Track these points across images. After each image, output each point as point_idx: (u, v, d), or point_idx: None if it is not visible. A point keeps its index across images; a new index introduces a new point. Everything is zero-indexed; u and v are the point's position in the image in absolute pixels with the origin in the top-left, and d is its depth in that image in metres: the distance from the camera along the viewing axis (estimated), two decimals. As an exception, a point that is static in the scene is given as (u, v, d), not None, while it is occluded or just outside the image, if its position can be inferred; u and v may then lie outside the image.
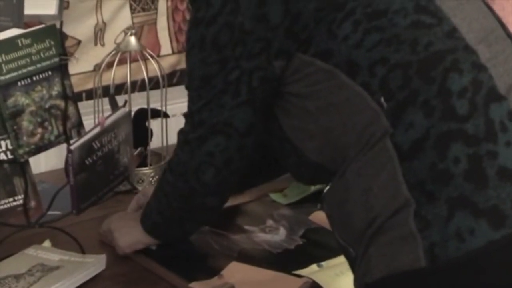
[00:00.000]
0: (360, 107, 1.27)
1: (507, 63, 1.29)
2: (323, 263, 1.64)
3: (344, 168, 1.30)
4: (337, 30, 1.30)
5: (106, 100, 2.06)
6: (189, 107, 1.50)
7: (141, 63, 2.05)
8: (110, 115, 1.65)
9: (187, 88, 1.51)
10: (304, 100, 1.35)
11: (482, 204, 1.18)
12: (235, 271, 1.62)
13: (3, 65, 1.59)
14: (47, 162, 2.23)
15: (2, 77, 1.59)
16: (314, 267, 1.63)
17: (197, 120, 1.47)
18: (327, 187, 1.36)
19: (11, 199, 1.68)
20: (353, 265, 1.31)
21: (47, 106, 1.66)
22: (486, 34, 1.31)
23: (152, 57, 2.09)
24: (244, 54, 1.37)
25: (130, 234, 1.67)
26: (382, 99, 1.25)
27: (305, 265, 1.63)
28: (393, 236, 1.21)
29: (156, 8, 2.67)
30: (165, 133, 2.14)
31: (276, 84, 1.39)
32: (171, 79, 2.73)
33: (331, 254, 1.67)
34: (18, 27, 1.65)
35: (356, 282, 1.29)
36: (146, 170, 2.09)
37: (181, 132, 1.53)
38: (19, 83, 1.61)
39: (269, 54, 1.36)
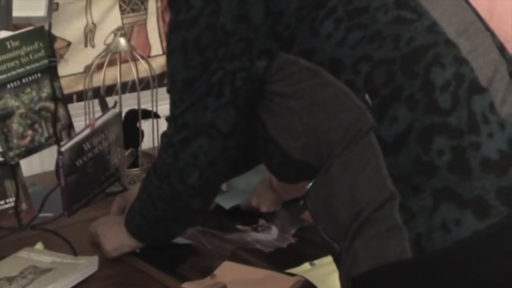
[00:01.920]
0: (346, 105, 1.27)
1: (487, 55, 1.31)
2: (315, 262, 1.64)
3: (329, 164, 1.30)
4: (320, 28, 1.29)
5: (96, 101, 2.05)
6: (172, 110, 1.49)
7: (131, 64, 2.05)
8: (100, 116, 1.65)
9: (168, 91, 1.49)
10: (288, 99, 1.35)
11: (467, 195, 1.19)
12: (227, 270, 1.62)
13: (-8, 67, 1.59)
14: (37, 164, 2.22)
15: (-9, 80, 1.59)
16: (306, 265, 1.63)
17: (181, 123, 1.46)
18: (311, 184, 1.36)
19: (2, 202, 1.68)
20: (338, 260, 1.31)
21: (37, 108, 1.66)
22: (465, 27, 1.32)
23: (142, 58, 2.08)
24: (227, 55, 1.37)
25: (115, 238, 1.66)
26: (367, 96, 1.25)
27: (298, 263, 1.63)
28: (379, 229, 1.22)
29: (146, 9, 2.67)
30: (156, 134, 2.14)
31: (259, 83, 1.38)
32: (162, 79, 2.72)
33: (324, 252, 1.67)
34: (7, 29, 1.65)
35: (342, 276, 1.30)
36: (137, 171, 2.08)
37: (164, 135, 1.53)
38: (8, 86, 1.61)
39: (252, 54, 1.36)
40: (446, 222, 1.17)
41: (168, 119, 1.50)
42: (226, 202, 1.96)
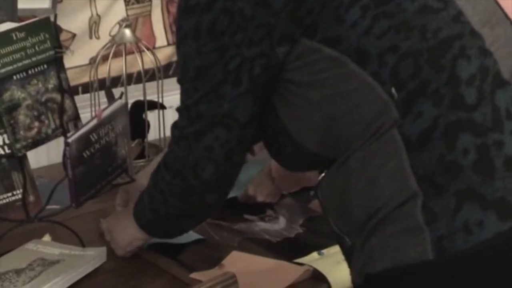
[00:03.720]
0: (370, 97, 1.23)
1: (508, 46, 1.28)
2: (323, 251, 1.64)
3: (346, 157, 1.26)
4: (345, 15, 1.24)
5: (102, 93, 2.05)
6: (183, 100, 1.40)
7: (137, 55, 2.05)
8: (106, 107, 1.65)
9: (179, 81, 1.41)
10: (307, 89, 1.28)
11: (490, 195, 1.17)
12: (235, 260, 1.62)
13: (-2, 59, 1.58)
14: (44, 157, 2.22)
15: (-3, 72, 1.58)
16: (314, 255, 1.63)
17: (194, 114, 1.37)
18: (323, 174, 1.33)
19: (9, 194, 1.68)
20: (349, 254, 1.30)
21: (43, 99, 1.65)
22: (489, 16, 1.29)
23: (147, 49, 2.08)
24: (245, 41, 1.28)
25: (125, 232, 1.63)
26: (393, 90, 1.21)
27: (306, 253, 1.63)
28: (399, 228, 1.20)
29: (150, 0, 2.66)
30: (162, 125, 2.14)
31: (277, 71, 1.31)
32: (167, 70, 2.72)
33: (331, 242, 1.66)
34: (12, 20, 1.64)
35: (354, 271, 1.29)
36: (144, 162, 2.08)
37: (175, 127, 1.44)
38: (14, 77, 1.60)
39: (272, 40, 1.28)
40: (469, 224, 1.16)
41: (179, 109, 1.42)
42: None
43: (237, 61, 1.30)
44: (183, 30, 1.35)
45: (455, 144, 1.19)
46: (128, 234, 1.63)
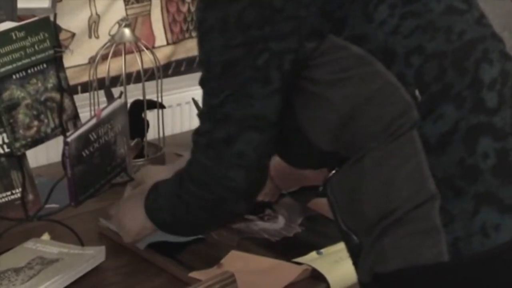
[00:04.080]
0: (392, 98, 1.20)
1: None
2: (322, 250, 1.64)
3: (360, 156, 1.24)
4: (374, 13, 1.20)
5: (101, 92, 2.05)
6: (207, 102, 1.29)
7: (136, 55, 2.05)
8: (106, 107, 1.65)
9: (202, 81, 1.30)
10: (327, 88, 1.24)
11: (508, 199, 1.18)
12: (234, 259, 1.62)
13: (-3, 58, 1.58)
14: (43, 156, 2.23)
15: (-3, 71, 1.58)
16: (313, 254, 1.63)
17: (221, 116, 1.26)
18: (334, 171, 1.30)
19: (8, 193, 1.68)
20: (355, 252, 1.30)
21: (42, 98, 1.66)
22: (508, 20, 1.29)
23: (147, 48, 2.08)
24: (274, 34, 1.21)
25: (135, 221, 1.54)
26: (417, 92, 1.19)
27: (304, 252, 1.63)
28: (414, 229, 1.19)
29: (149, 0, 2.67)
30: (161, 124, 2.14)
31: (302, 67, 1.25)
32: (166, 70, 2.73)
33: (330, 241, 1.68)
34: (12, 20, 1.64)
35: (362, 270, 1.28)
36: (143, 161, 2.09)
37: (199, 134, 1.32)
38: (14, 76, 1.60)
39: (301, 34, 1.21)
40: (486, 227, 1.16)
41: (201, 114, 1.32)
42: None
43: (265, 56, 1.22)
44: (208, 23, 1.26)
45: (475, 148, 1.19)
46: (138, 223, 1.54)
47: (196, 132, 1.33)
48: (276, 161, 1.89)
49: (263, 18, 1.21)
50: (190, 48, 2.85)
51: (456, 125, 1.19)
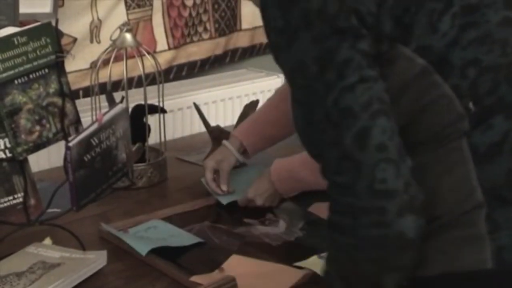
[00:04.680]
0: (445, 109, 1.17)
1: None
2: (323, 255, 1.64)
3: (418, 155, 1.19)
4: (438, 23, 1.17)
5: (103, 97, 2.06)
6: (318, 110, 1.17)
7: (137, 60, 2.06)
8: (107, 111, 1.65)
9: (301, 89, 1.19)
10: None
11: None
12: (235, 264, 1.62)
13: (-1, 63, 1.59)
14: (45, 160, 2.23)
15: (-1, 76, 1.59)
16: (315, 258, 1.63)
17: (341, 113, 1.14)
18: None
19: (10, 197, 1.68)
20: None
21: (44, 103, 1.66)
22: None
23: (148, 53, 2.09)
24: (360, 23, 1.15)
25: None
26: (471, 104, 1.17)
27: (305, 257, 1.63)
28: (459, 235, 1.18)
29: (151, 4, 2.67)
30: (163, 129, 2.14)
31: None
32: (168, 75, 2.74)
33: (331, 245, 1.68)
34: (14, 25, 1.65)
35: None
36: (144, 165, 2.09)
37: (326, 150, 1.18)
38: (16, 81, 1.61)
39: (378, 33, 1.17)
40: None
41: (318, 126, 1.17)
42: (224, 198, 1.97)
43: (366, 40, 1.15)
44: (292, 25, 1.18)
45: None
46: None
47: (320, 154, 1.20)
48: (276, 166, 1.91)
49: (345, 8, 1.15)
50: (191, 52, 2.86)
51: (505, 136, 1.17)
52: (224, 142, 2.03)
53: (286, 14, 1.18)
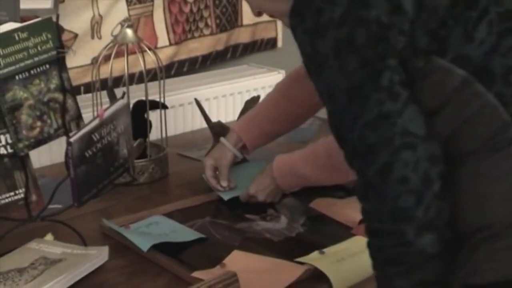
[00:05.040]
0: (491, 117, 1.17)
1: None
2: (325, 250, 1.64)
3: (453, 170, 1.20)
4: (474, 32, 1.18)
5: (104, 93, 2.06)
6: (345, 139, 1.22)
7: (139, 55, 2.06)
8: (108, 107, 1.65)
9: (332, 116, 1.23)
10: (429, 112, 1.19)
11: None
12: (237, 259, 1.62)
13: (0, 59, 1.58)
14: (46, 156, 2.23)
15: (0, 71, 1.58)
16: (316, 254, 1.63)
17: (366, 148, 1.19)
18: None
19: (12, 193, 1.68)
20: None
21: (45, 99, 1.66)
22: None
23: (149, 49, 2.08)
24: (388, 50, 1.17)
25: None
26: None
27: (307, 252, 1.64)
28: (510, 244, 1.17)
29: (152, 0, 2.67)
30: (164, 124, 2.14)
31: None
32: (169, 70, 2.74)
33: (332, 241, 1.68)
34: (15, 21, 1.65)
35: (454, 279, 1.23)
36: (145, 161, 2.09)
37: (356, 186, 1.24)
38: (17, 77, 1.61)
39: (412, 50, 1.19)
40: None
41: (346, 155, 1.23)
42: (225, 193, 1.97)
43: (387, 73, 1.17)
44: (321, 54, 1.20)
45: None
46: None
47: (358, 188, 1.24)
48: (278, 162, 1.91)
49: (374, 36, 1.17)
50: (192, 48, 2.86)
51: None
52: (221, 139, 2.03)
53: (314, 42, 1.20)
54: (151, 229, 1.78)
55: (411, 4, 1.18)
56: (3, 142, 1.63)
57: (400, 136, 1.17)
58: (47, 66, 1.66)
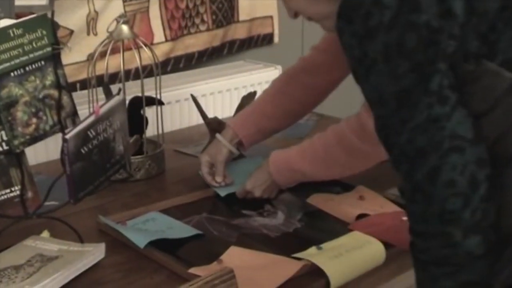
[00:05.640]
0: None
1: None
2: (322, 246, 1.64)
3: (499, 171, 1.20)
4: None
5: (100, 89, 2.06)
6: (393, 142, 1.22)
7: (135, 52, 2.05)
8: (104, 103, 1.65)
9: (379, 120, 1.23)
10: (477, 117, 1.19)
11: None
12: (234, 255, 1.62)
13: (-5, 56, 1.58)
14: (43, 153, 2.23)
15: (-5, 68, 1.58)
16: (313, 249, 1.63)
17: (415, 152, 1.19)
18: None
19: (8, 191, 1.68)
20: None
21: (41, 96, 1.66)
22: None
23: (145, 45, 2.08)
24: (439, 54, 1.17)
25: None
26: None
27: (304, 248, 1.63)
28: None
29: (148, -4, 2.66)
30: (160, 121, 2.14)
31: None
32: (165, 67, 2.73)
33: (330, 236, 1.68)
34: (10, 17, 1.64)
35: (496, 279, 1.24)
36: (142, 158, 2.09)
37: (403, 181, 1.24)
38: (12, 74, 1.60)
39: (462, 54, 1.18)
40: None
41: (394, 160, 1.23)
42: (222, 189, 1.96)
43: (437, 78, 1.17)
44: (370, 57, 1.20)
45: None
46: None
47: (401, 191, 1.26)
48: (274, 157, 1.90)
49: (424, 40, 1.17)
50: (188, 44, 2.85)
51: None
52: (217, 135, 2.03)
53: (363, 45, 1.20)
54: (148, 226, 1.78)
55: (461, 8, 1.17)
56: (-1, 139, 1.63)
57: (449, 140, 1.17)
58: (43, 62, 1.66)
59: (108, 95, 2.00)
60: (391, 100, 1.20)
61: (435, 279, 1.25)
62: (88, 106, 2.06)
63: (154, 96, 2.12)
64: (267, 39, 3.19)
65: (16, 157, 1.66)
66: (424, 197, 1.21)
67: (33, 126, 1.65)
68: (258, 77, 2.93)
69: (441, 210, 1.19)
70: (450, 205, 1.18)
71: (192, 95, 2.30)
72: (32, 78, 1.64)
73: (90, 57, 2.24)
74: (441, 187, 1.18)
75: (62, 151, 1.54)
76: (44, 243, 1.66)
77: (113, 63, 2.19)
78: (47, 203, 1.68)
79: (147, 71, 2.22)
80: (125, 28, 2.04)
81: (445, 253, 1.22)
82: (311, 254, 1.61)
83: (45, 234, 1.71)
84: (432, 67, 1.17)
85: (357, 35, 1.21)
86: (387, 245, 1.64)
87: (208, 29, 2.92)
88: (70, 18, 2.45)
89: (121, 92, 1.73)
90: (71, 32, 2.46)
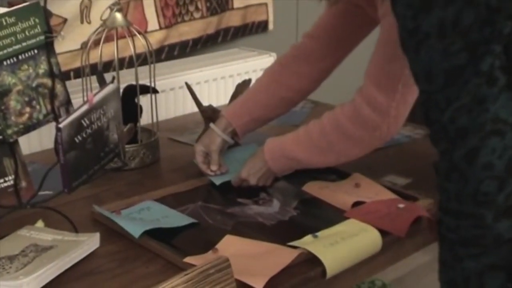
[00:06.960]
0: None
1: None
2: (318, 234, 1.63)
3: None
4: None
5: (94, 78, 2.04)
6: (433, 119, 1.22)
7: (128, 40, 2.04)
8: (98, 92, 1.64)
9: (424, 95, 1.23)
10: None
11: None
12: (229, 244, 1.61)
13: (-13, 45, 1.57)
14: (36, 143, 2.22)
15: (-13, 57, 1.57)
16: (309, 237, 1.62)
17: (456, 132, 1.20)
18: None
19: (1, 180, 1.67)
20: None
21: (34, 85, 1.64)
22: None
23: (139, 33, 2.07)
24: (495, 35, 1.16)
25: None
26: None
27: (300, 236, 1.63)
28: None
29: (141, -16, 2.65)
30: (155, 109, 2.13)
31: None
32: (159, 55, 2.72)
33: (325, 224, 1.67)
34: (1, 6, 1.63)
35: None
36: (136, 146, 2.08)
37: (439, 159, 1.25)
38: (4, 63, 1.59)
39: None
40: None
41: (432, 136, 1.24)
42: (217, 178, 1.96)
43: (489, 59, 1.17)
44: (423, 30, 1.19)
45: None
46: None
47: (436, 164, 1.26)
48: (269, 145, 1.90)
49: (481, 19, 1.16)
50: (182, 32, 2.84)
51: None
52: (211, 124, 2.03)
53: (418, 17, 1.18)
54: (143, 215, 1.77)
55: None
56: (-9, 129, 1.62)
57: (491, 122, 1.17)
58: (35, 51, 1.64)
59: (102, 83, 1.99)
60: (439, 76, 1.19)
61: (460, 260, 1.25)
62: (82, 94, 2.05)
63: (148, 84, 2.11)
64: (262, 26, 3.18)
65: (10, 147, 1.65)
66: (460, 177, 1.21)
67: (27, 115, 1.64)
68: (252, 64, 2.93)
69: (476, 191, 1.20)
70: (485, 187, 1.19)
71: (186, 83, 2.29)
72: (25, 66, 1.63)
73: (84, 45, 2.23)
74: (478, 169, 1.19)
75: (56, 140, 1.53)
76: (38, 233, 1.65)
77: (107, 51, 2.18)
78: (41, 193, 1.67)
79: (141, 59, 2.21)
80: (118, 16, 2.03)
81: (474, 233, 1.22)
82: (307, 242, 1.60)
83: (40, 224, 1.70)
84: (486, 47, 1.16)
85: (412, 7, 1.19)
86: (383, 232, 1.63)
87: (202, 17, 2.90)
88: (64, 6, 2.43)
89: (115, 81, 1.71)
90: (65, 20, 2.44)
